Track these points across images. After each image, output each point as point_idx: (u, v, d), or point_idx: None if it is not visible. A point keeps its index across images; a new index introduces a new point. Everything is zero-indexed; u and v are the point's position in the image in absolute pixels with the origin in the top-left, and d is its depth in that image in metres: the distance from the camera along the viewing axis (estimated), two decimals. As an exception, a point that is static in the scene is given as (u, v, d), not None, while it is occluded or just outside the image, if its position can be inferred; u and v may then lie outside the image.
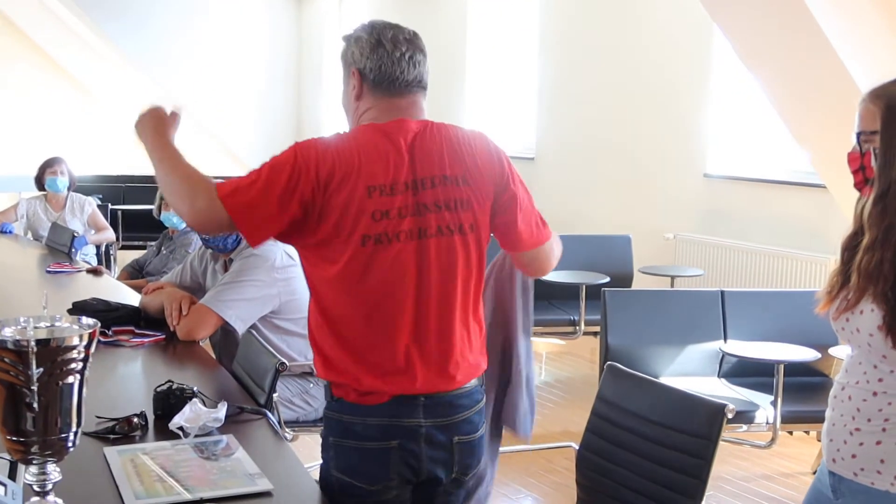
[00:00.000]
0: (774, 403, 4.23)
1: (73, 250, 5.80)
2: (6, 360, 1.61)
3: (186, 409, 2.47)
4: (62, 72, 14.08)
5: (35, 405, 1.62)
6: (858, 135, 2.02)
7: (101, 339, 3.33)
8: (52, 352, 1.62)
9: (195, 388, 2.60)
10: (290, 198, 2.06)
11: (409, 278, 2.13)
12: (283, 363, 2.90)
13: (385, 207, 2.10)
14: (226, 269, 3.72)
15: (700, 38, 7.05)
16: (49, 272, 5.13)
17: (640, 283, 6.77)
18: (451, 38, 9.85)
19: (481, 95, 9.77)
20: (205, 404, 2.53)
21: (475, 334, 2.25)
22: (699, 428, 2.49)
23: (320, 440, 2.25)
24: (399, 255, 2.12)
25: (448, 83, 9.83)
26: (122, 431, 2.42)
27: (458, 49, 9.79)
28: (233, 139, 12.49)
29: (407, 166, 2.13)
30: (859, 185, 2.04)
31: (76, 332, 1.66)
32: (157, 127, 2.27)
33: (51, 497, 1.71)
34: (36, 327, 1.66)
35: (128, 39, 11.52)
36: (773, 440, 4.27)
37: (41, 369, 1.61)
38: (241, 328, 3.45)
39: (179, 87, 11.82)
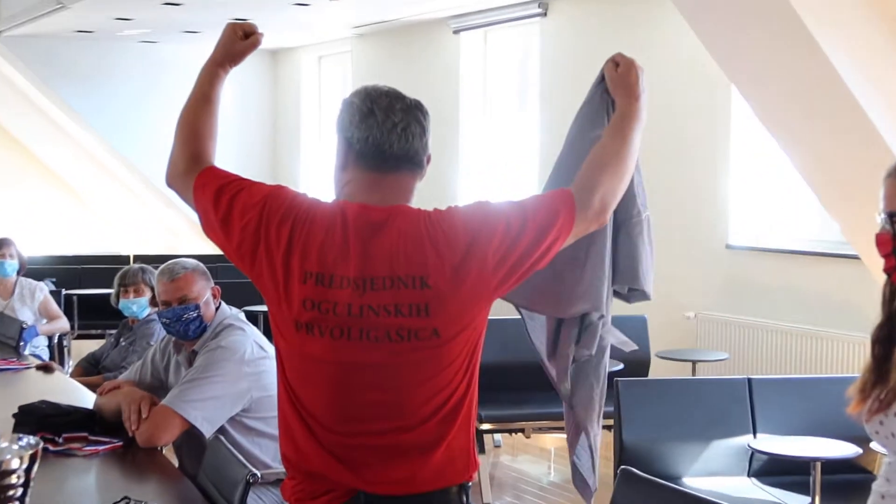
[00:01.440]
0: (812, 505, 4.19)
1: (22, 343, 5.76)
2: (-65, 487, 1.58)
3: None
4: (8, 137, 14.06)
5: (-32, 538, 1.60)
6: (890, 215, 2.01)
7: (50, 447, 3.29)
8: (-13, 477, 1.59)
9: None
10: (240, 237, 2.19)
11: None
12: (254, 474, 2.86)
13: (319, 299, 2.12)
14: (190, 363, 3.69)
15: (717, 97, 7.13)
16: (-7, 369, 5.09)
17: (658, 369, 6.73)
18: (442, 92, 9.94)
19: (477, 155, 9.84)
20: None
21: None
22: (726, 542, 2.46)
23: None
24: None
25: (439, 141, 9.90)
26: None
27: (451, 104, 9.85)
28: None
29: (354, 259, 2.12)
30: (890, 270, 2.03)
31: (16, 453, 1.64)
32: (225, 47, 2.45)
33: None
34: (-30, 448, 1.64)
35: (85, 104, 11.62)
36: (811, 547, 4.22)
37: (-26, 497, 1.59)
38: (208, 431, 3.41)
39: (142, 158, 11.90)
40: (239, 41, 2.44)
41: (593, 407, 2.65)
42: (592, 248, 2.48)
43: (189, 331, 3.66)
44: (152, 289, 5.26)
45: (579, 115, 2.56)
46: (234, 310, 3.94)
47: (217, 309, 3.72)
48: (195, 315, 3.63)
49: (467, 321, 2.17)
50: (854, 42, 4.78)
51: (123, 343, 5.46)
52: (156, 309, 5.24)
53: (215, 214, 2.22)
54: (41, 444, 1.68)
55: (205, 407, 3.42)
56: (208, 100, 2.43)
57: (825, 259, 6.57)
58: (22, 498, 1.65)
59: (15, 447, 1.67)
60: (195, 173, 2.30)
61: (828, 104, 4.99)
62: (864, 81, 4.82)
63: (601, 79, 2.46)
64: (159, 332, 5.21)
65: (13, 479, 1.62)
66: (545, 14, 8.67)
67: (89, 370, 5.41)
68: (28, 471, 1.64)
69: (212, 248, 9.89)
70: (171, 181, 2.39)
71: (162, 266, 3.75)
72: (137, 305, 5.33)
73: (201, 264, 3.77)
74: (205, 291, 3.68)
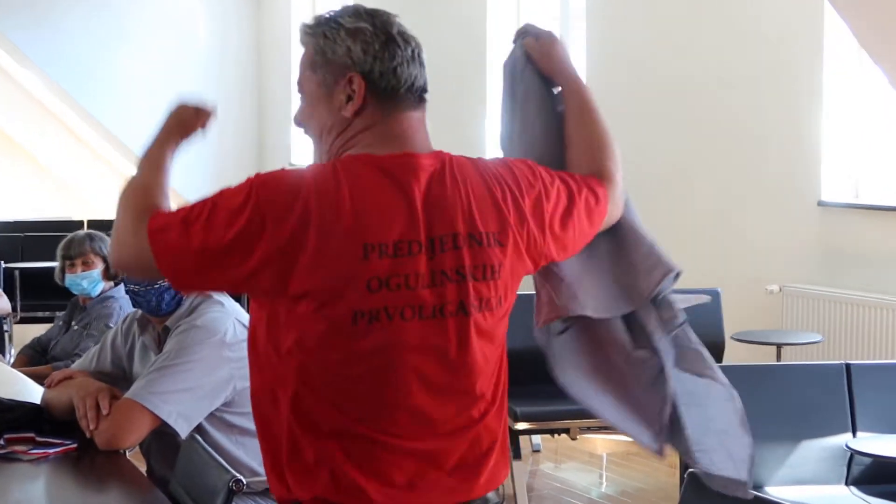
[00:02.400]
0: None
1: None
2: None
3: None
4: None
5: None
6: None
7: (-11, 452, 3.32)
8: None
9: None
10: (244, 251, 2.11)
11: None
12: (238, 480, 2.88)
13: (385, 274, 2.14)
14: (159, 345, 3.71)
15: (808, 24, 7.09)
16: (-79, 361, 5.16)
17: (733, 354, 6.74)
18: (465, 18, 9.94)
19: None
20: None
21: None
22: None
23: None
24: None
25: (463, 81, 9.90)
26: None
27: (476, 34, 9.86)
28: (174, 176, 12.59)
29: (422, 222, 2.17)
30: None
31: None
32: (179, 128, 2.50)
33: None
34: None
35: (30, 39, 11.69)
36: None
37: None
38: (183, 429, 3.43)
39: (103, 111, 11.98)
40: (192, 117, 2.50)
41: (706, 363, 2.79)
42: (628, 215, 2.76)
43: (162, 303, 3.66)
44: (105, 259, 5.29)
45: (523, 93, 2.69)
46: None
47: None
48: (168, 285, 3.61)
49: (516, 289, 2.34)
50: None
51: (76, 327, 5.50)
52: (111, 284, 5.27)
53: (193, 250, 2.16)
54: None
55: (178, 400, 3.44)
56: (163, 173, 2.43)
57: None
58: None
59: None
60: (145, 221, 2.21)
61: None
62: None
63: (526, 56, 2.65)
64: (119, 311, 5.24)
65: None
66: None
67: (35, 359, 5.46)
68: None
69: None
70: (123, 256, 2.31)
71: None
72: (88, 280, 5.36)
73: None
74: None
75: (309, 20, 2.30)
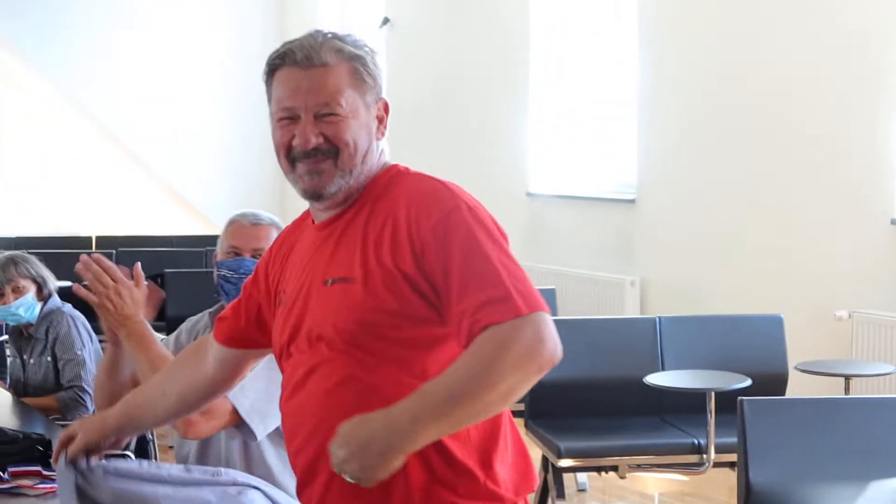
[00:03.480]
0: None
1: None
2: None
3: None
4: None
5: None
6: None
7: (-7, 485, 3.37)
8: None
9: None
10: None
11: None
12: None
13: None
14: None
15: (876, 23, 7.09)
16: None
17: (798, 386, 6.73)
18: (507, 18, 9.99)
19: (552, 108, 9.95)
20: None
21: None
22: None
23: None
24: None
25: (502, 86, 9.96)
26: None
27: (519, 34, 9.91)
28: (181, 181, 12.69)
29: None
30: None
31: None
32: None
33: None
34: None
35: (43, 51, 11.83)
36: None
37: None
38: (259, 430, 3.44)
39: (106, 108, 12.08)
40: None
41: None
42: None
43: None
44: (35, 280, 5.31)
45: None
46: None
47: None
48: None
49: None
50: None
51: (31, 361, 5.44)
52: (40, 303, 5.27)
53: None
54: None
55: (254, 395, 3.42)
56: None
57: None
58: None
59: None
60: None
61: None
62: None
63: None
64: (72, 321, 5.25)
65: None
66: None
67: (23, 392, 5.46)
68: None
69: (202, 230, 10.01)
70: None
71: (242, 210, 3.81)
72: (24, 307, 5.31)
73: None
74: None
75: (340, 36, 2.41)
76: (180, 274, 8.47)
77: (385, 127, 2.47)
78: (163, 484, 2.80)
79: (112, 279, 3.28)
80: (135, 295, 3.32)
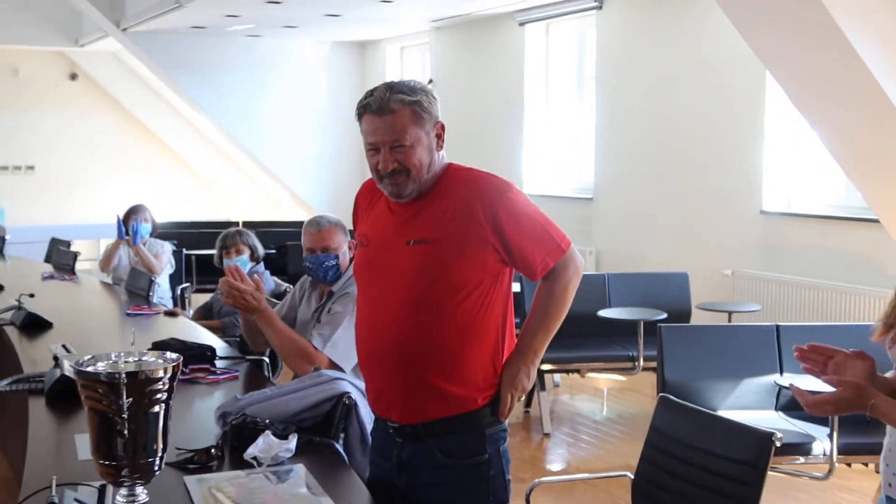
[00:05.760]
0: (831, 436, 4.23)
1: (151, 294, 5.98)
2: (99, 391, 1.75)
3: (259, 440, 2.58)
4: (143, 129, 14.59)
5: (125, 432, 1.77)
6: None
7: (180, 376, 3.44)
8: (140, 383, 1.76)
9: (267, 420, 2.71)
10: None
11: None
12: (349, 395, 2.93)
13: None
14: (321, 299, 3.76)
15: (754, 78, 7.09)
16: (129, 314, 5.31)
17: (697, 319, 6.77)
18: (509, 76, 9.98)
19: (540, 135, 9.86)
20: (276, 435, 2.63)
21: None
22: (748, 456, 2.55)
23: None
24: None
25: (506, 124, 9.97)
26: (201, 462, 2.53)
27: (516, 90, 9.90)
28: (297, 184, 12.75)
29: None
30: None
31: (161, 366, 1.81)
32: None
33: (139, 518, 1.84)
34: (126, 361, 1.81)
35: (200, 91, 11.86)
36: (830, 472, 4.26)
37: (131, 399, 1.75)
38: (347, 366, 3.42)
39: (247, 135, 12.17)
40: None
41: None
42: None
43: (327, 276, 3.70)
44: (250, 247, 5.38)
45: None
46: None
47: (351, 260, 3.76)
48: (333, 263, 3.68)
49: None
50: (877, 32, 4.74)
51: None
52: (253, 264, 5.35)
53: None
54: (181, 359, 1.84)
55: (336, 343, 3.46)
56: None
57: (850, 223, 6.54)
58: (167, 401, 1.81)
59: (161, 361, 1.83)
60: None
61: (854, 91, 4.95)
62: (884, 65, 4.78)
63: None
64: (260, 278, 5.32)
65: (160, 385, 1.78)
66: (601, 7, 8.66)
67: (206, 316, 5.59)
68: (171, 379, 1.80)
69: (305, 216, 9.98)
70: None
71: (310, 218, 3.80)
72: (240, 263, 5.39)
73: (342, 221, 3.80)
74: (343, 244, 3.73)
75: (402, 88, 2.39)
76: (295, 245, 8.54)
77: (443, 141, 2.43)
78: (285, 395, 2.86)
79: (239, 290, 3.43)
80: (256, 295, 3.44)
